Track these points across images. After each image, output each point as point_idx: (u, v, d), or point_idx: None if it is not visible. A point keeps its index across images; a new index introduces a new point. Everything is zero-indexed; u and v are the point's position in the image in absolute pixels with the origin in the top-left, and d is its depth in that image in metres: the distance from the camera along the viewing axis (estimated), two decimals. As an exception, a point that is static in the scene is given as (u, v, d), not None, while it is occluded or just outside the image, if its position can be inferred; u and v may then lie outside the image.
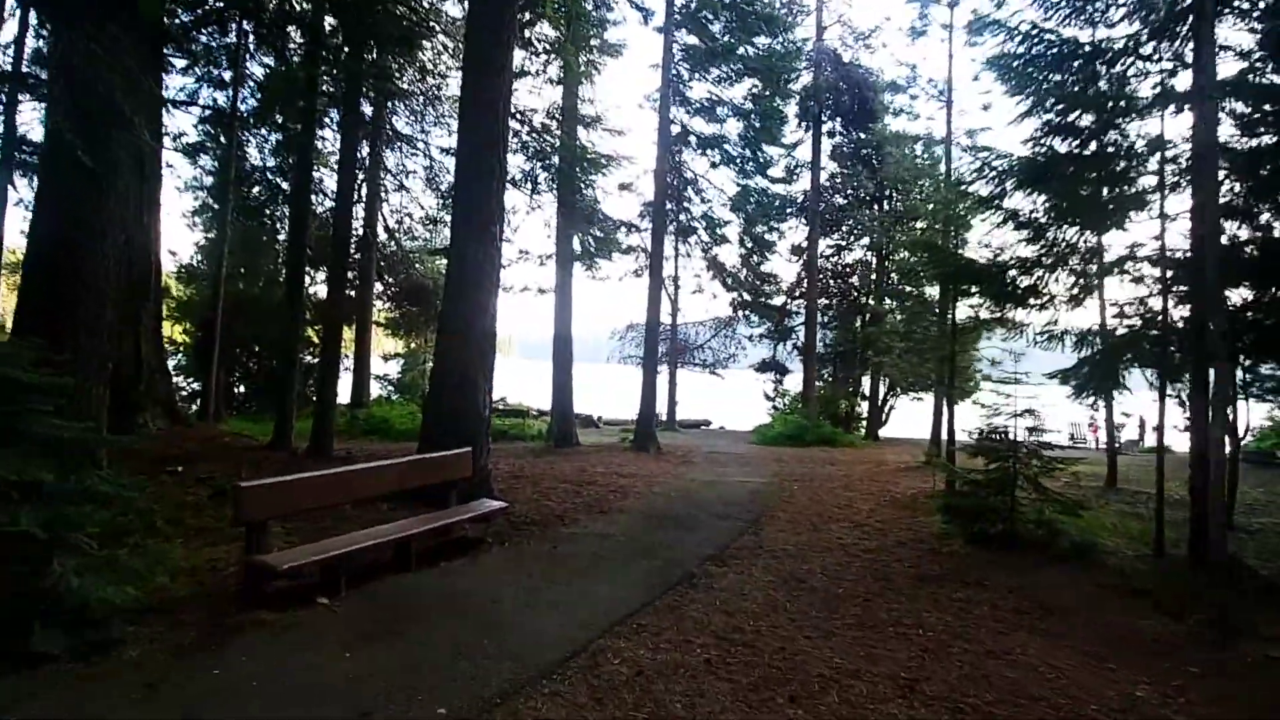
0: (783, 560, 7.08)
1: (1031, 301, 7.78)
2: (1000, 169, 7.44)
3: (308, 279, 20.36)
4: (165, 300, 20.92)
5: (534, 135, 14.45)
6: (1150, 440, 25.25)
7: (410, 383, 24.37)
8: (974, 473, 8.88)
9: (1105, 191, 7.32)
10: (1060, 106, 7.45)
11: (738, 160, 17.70)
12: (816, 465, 15.98)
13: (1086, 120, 7.55)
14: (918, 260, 16.63)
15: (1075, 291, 7.54)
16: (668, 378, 25.02)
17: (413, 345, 25.40)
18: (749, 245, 19.75)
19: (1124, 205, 7.43)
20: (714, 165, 17.62)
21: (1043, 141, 7.78)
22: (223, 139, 16.19)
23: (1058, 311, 7.84)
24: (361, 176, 20.93)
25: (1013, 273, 7.65)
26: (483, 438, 8.22)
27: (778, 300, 24.59)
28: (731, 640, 4.81)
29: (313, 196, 16.50)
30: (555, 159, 14.97)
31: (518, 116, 14.03)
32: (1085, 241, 7.98)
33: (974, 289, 8.62)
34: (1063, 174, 7.13)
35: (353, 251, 21.22)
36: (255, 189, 17.74)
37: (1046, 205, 7.94)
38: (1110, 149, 7.50)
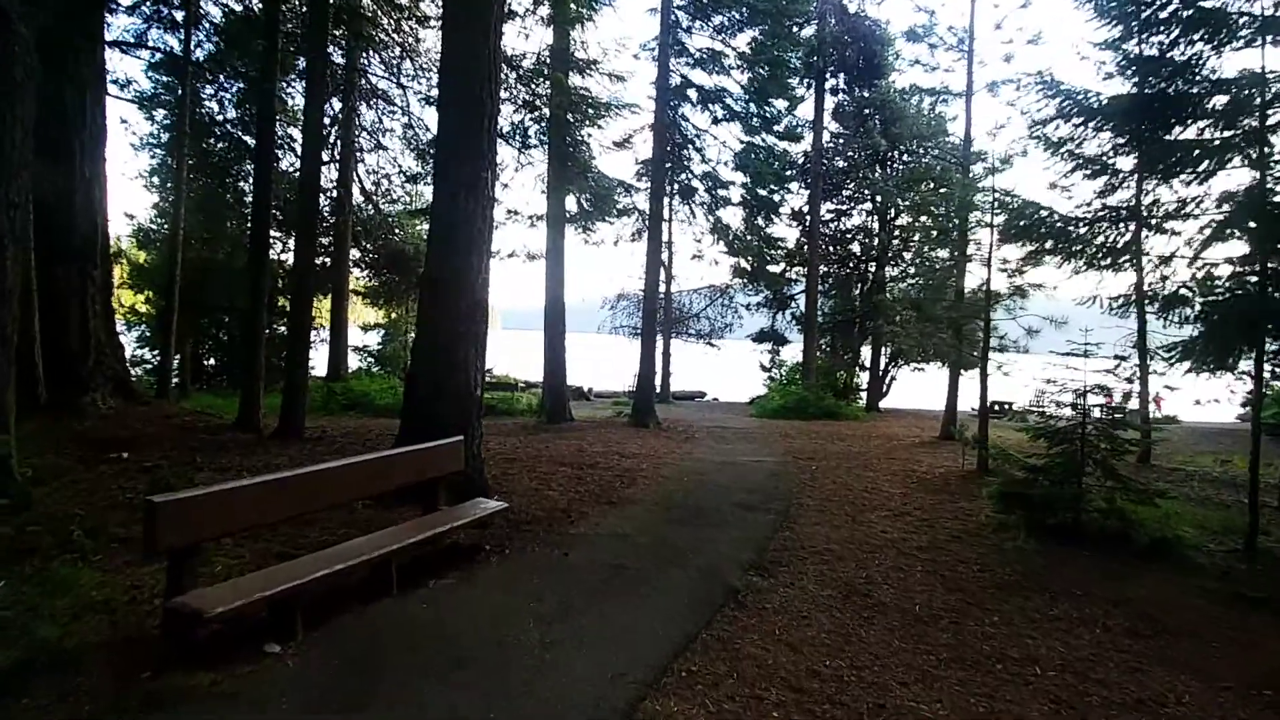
0: (833, 565, 5.96)
1: (1123, 261, 6.61)
2: (1089, 107, 6.21)
3: (278, 243, 18.93)
4: (124, 267, 19.33)
5: (523, 82, 13.00)
6: (1153, 411, 24.52)
7: (391, 354, 23.00)
8: (1033, 456, 7.82)
9: (1211, 132, 6.12)
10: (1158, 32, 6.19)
11: (743, 116, 16.27)
12: (826, 441, 14.93)
13: (1179, 52, 6.36)
14: (947, 216, 15.36)
15: (1195, 247, 6.37)
16: (661, 348, 23.85)
17: (393, 315, 23.98)
18: (753, 206, 18.38)
19: (1227, 148, 6.23)
20: (716, 121, 16.21)
21: (1129, 76, 6.54)
22: (178, 88, 14.51)
23: (1146, 274, 6.66)
24: (335, 134, 19.37)
25: (1102, 225, 6.48)
26: (475, 421, 6.98)
27: (777, 267, 23.33)
28: (811, 693, 3.66)
29: (279, 152, 14.99)
30: (546, 110, 13.53)
31: (506, 61, 12.56)
32: (1175, 191, 6.79)
33: (1048, 245, 7.43)
34: (1174, 112, 5.90)
35: (326, 214, 19.71)
36: (217, 144, 16.09)
37: (1137, 150, 6.72)
38: (1209, 83, 6.28)
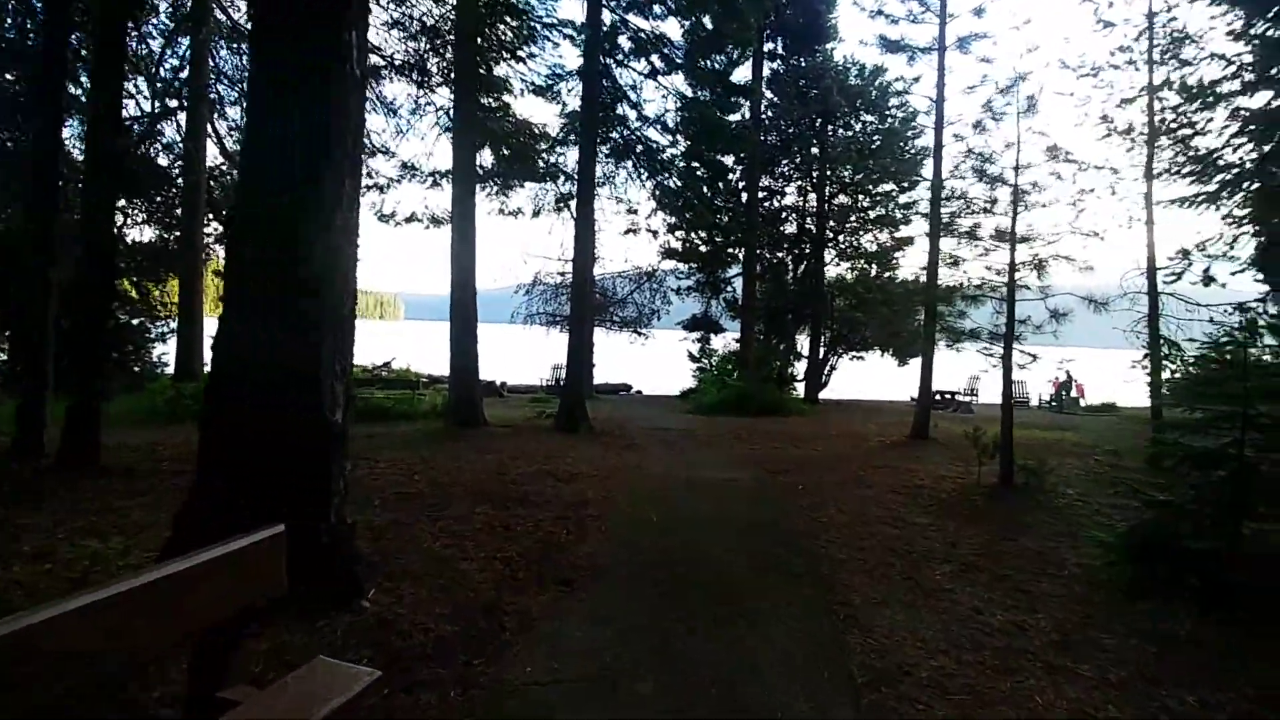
0: (969, 711, 3.31)
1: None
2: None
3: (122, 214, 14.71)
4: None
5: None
6: (1090, 399, 23.45)
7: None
8: (1165, 486, 5.49)
9: None
10: None
11: (685, 67, 13.33)
12: (786, 444, 12.50)
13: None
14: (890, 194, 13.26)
15: None
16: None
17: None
18: (698, 174, 15.59)
19: None
20: (655, 73, 13.22)
21: None
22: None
23: None
24: (183, 77, 15.37)
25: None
26: (334, 471, 3.89)
27: (719, 245, 20.64)
28: None
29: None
30: (452, 37, 10.29)
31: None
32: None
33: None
34: None
35: (173, 175, 15.65)
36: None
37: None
38: None
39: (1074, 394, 21.90)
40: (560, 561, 5.25)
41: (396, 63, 10.29)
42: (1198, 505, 5.07)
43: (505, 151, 11.78)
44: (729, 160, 17.85)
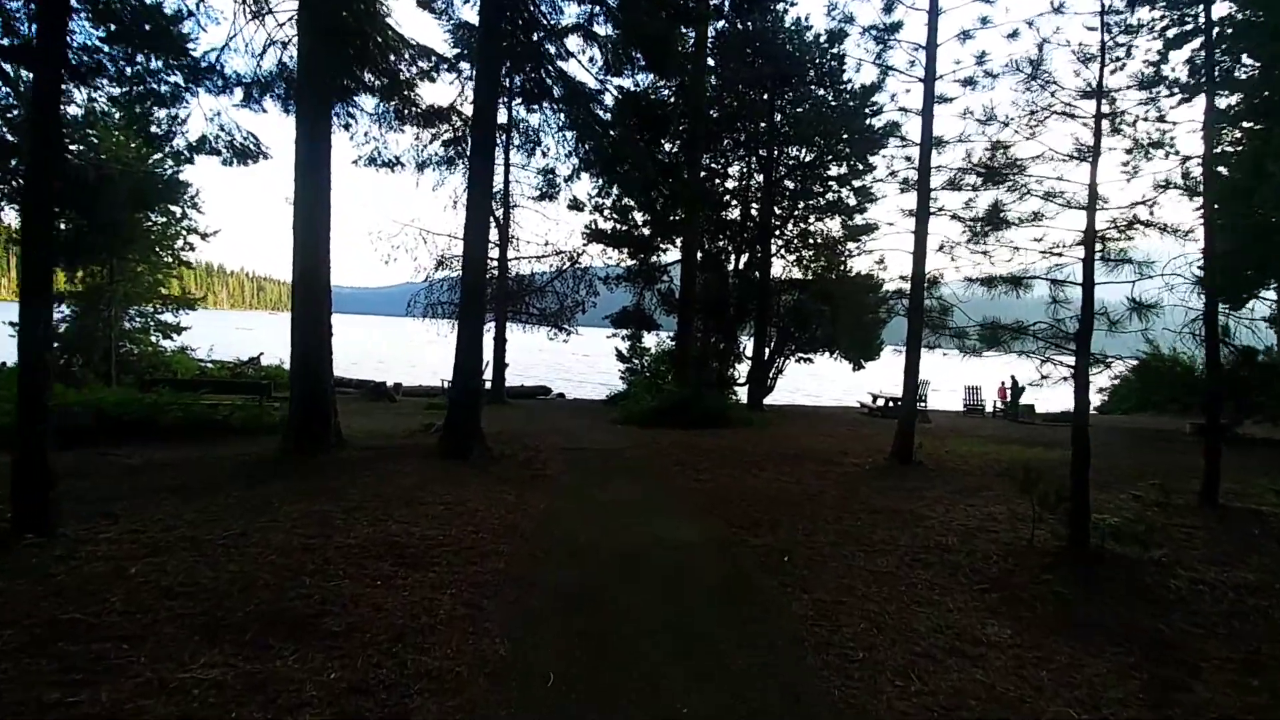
0: None
1: None
2: None
3: None
4: None
5: None
6: (1042, 407, 21.35)
7: (82, 337, 14.65)
8: None
9: None
10: None
11: None
12: (744, 471, 9.45)
13: None
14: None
15: None
16: (495, 333, 17.40)
17: (94, 279, 15.34)
18: (633, 123, 12.14)
19: None
20: None
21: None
22: None
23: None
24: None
25: None
26: None
27: (660, 222, 17.29)
28: None
29: None
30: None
31: None
32: None
33: None
34: None
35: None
36: None
37: None
38: None
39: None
40: None
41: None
42: None
43: (380, 81, 8.07)
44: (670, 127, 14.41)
